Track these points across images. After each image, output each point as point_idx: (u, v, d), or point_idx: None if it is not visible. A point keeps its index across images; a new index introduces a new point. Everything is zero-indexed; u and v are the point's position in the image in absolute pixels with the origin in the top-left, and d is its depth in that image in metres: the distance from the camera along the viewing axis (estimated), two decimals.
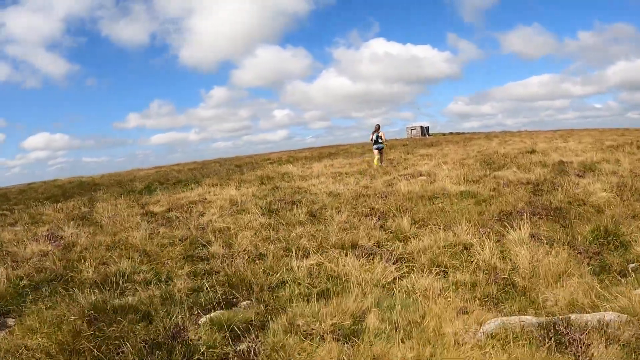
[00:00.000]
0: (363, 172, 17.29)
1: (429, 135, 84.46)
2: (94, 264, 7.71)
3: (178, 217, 11.43)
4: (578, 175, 13.24)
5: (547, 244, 6.42)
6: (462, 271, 5.42)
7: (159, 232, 9.74)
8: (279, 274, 5.79)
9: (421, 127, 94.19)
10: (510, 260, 5.67)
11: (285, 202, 11.32)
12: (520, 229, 6.72)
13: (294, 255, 6.39)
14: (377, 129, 20.45)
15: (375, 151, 20.35)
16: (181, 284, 6.36)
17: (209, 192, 14.95)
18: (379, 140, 20.29)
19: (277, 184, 15.12)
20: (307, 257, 6.45)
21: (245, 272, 5.78)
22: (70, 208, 15.37)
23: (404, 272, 5.57)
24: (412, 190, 11.06)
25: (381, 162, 20.06)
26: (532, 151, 23.13)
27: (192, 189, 16.81)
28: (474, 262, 5.62)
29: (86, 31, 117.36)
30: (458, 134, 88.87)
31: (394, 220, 8.16)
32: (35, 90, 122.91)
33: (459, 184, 12.02)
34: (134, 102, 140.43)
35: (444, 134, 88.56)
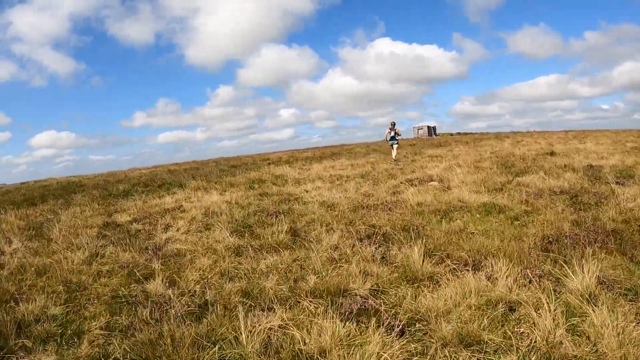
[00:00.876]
0: (365, 176, 15.09)
1: (436, 135, 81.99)
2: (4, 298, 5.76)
3: (140, 231, 9.33)
4: (617, 182, 10.96)
5: (626, 294, 4.23)
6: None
7: (104, 253, 7.63)
8: (217, 346, 3.63)
9: (428, 126, 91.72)
10: (586, 336, 3.45)
11: (267, 214, 9.17)
12: (581, 268, 4.51)
13: (251, 307, 4.21)
14: (393, 126, 22.22)
15: (392, 148, 22.23)
16: (83, 350, 4.25)
17: (189, 198, 12.83)
18: (396, 136, 22.18)
19: (266, 190, 12.97)
20: (270, 310, 4.28)
21: (166, 342, 3.61)
22: (36, 214, 13.35)
23: (414, 354, 3.37)
24: (422, 201, 8.85)
25: (392, 156, 21.75)
26: (552, 153, 20.81)
27: (174, 193, 14.70)
28: (528, 341, 3.40)
29: (92, 30, 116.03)
30: (466, 134, 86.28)
31: (400, 247, 5.95)
32: (42, 88, 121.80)
33: (479, 193, 9.80)
34: (140, 101, 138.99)
35: (451, 134, 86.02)
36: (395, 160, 20.94)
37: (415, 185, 11.74)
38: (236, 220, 8.79)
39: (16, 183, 35.27)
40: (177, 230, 8.74)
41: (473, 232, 6.62)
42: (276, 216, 8.89)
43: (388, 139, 22.23)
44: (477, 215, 7.98)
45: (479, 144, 31.50)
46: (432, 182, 12.14)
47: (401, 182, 12.33)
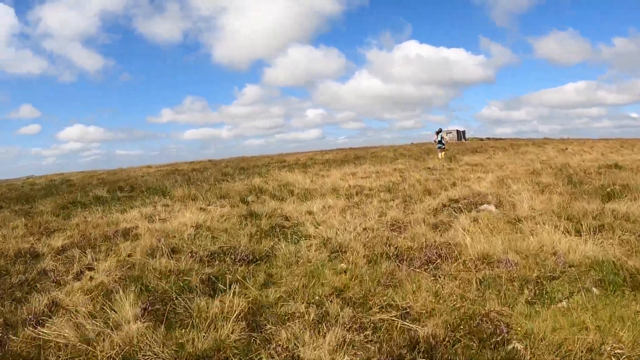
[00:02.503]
0: (393, 190, 11.36)
1: (465, 139, 77.17)
2: None
3: (44, 274, 5.91)
4: None
5: None
6: None
7: None
8: None
9: (457, 130, 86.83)
10: None
11: (234, 260, 5.60)
12: None
13: None
14: (439, 131, 24.29)
15: (439, 151, 23.73)
16: None
17: (156, 215, 9.37)
18: (442, 140, 24.01)
19: (260, 207, 9.41)
20: None
21: None
22: None
23: None
24: (488, 251, 5.08)
25: (439, 156, 23.04)
26: (616, 165, 16.62)
27: (148, 204, 11.33)
28: None
29: (121, 28, 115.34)
30: (496, 139, 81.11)
31: None
32: (71, 83, 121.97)
33: (568, 233, 6.00)
34: (167, 98, 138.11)
35: (481, 139, 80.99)
36: (440, 159, 21.90)
37: (464, 210, 7.98)
38: (179, 271, 5.24)
39: (22, 177, 32.86)
40: (89, 279, 5.24)
41: (604, 345, 2.88)
42: (247, 264, 5.32)
43: (437, 142, 24.40)
44: (595, 290, 4.21)
45: (519, 151, 27.23)
46: (485, 206, 8.35)
47: (443, 204, 8.57)
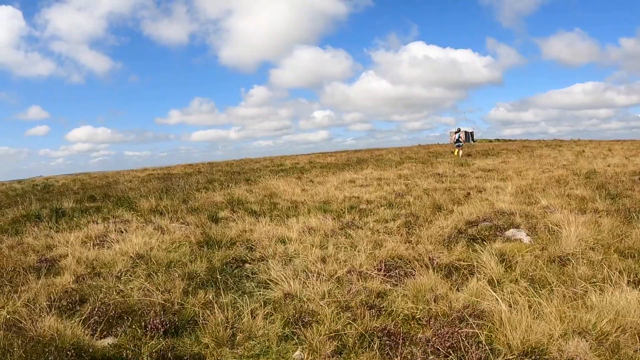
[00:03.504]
0: (395, 204, 9.35)
1: (474, 141, 74.62)
2: None
3: None
4: None
5: None
6: None
7: None
8: None
9: (466, 132, 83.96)
10: None
11: (147, 327, 3.66)
12: None
13: None
14: (458, 131, 26.55)
15: (457, 149, 25.27)
16: None
17: (107, 235, 7.47)
18: (459, 140, 25.88)
19: (226, 230, 7.47)
20: None
21: None
22: None
23: None
24: (538, 334, 3.07)
25: (458, 155, 24.43)
26: None
27: (109, 218, 9.45)
28: None
29: (129, 30, 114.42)
30: (506, 140, 78.43)
31: None
32: (79, 85, 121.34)
33: None
34: (175, 99, 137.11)
35: (490, 140, 78.38)
36: (456, 156, 23.82)
37: (486, 240, 5.97)
38: (56, 346, 3.31)
39: (32, 178, 31.27)
40: None
41: None
42: (162, 333, 3.38)
43: (454, 142, 26.74)
44: None
45: (534, 154, 25.02)
46: (513, 231, 6.31)
47: (457, 230, 6.54)
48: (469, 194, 10.38)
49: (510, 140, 78.87)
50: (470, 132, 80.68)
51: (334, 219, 8.08)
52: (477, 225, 6.71)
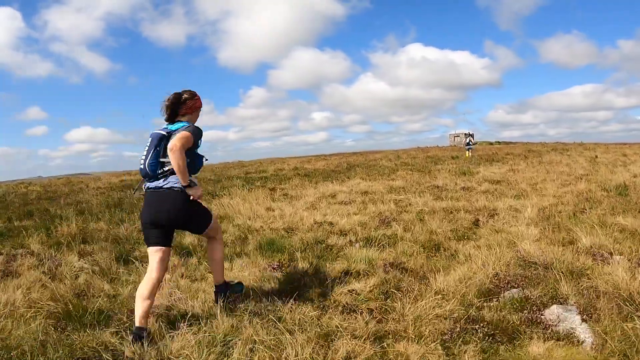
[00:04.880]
0: (378, 239, 6.66)
1: (474, 143, 71.97)
2: None
3: None
4: None
5: None
6: None
7: None
8: None
9: (466, 134, 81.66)
10: None
11: None
12: None
13: None
14: (468, 135, 30.73)
15: (468, 151, 28.07)
16: None
17: None
18: (470, 143, 29.88)
19: (131, 275, 4.82)
20: None
21: None
22: None
23: None
24: None
25: (468, 155, 26.75)
26: None
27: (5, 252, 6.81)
28: None
29: (128, 32, 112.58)
30: (507, 143, 75.77)
31: None
32: (78, 86, 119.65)
33: None
34: None
35: (491, 143, 75.74)
36: (467, 157, 25.00)
37: (512, 335, 3.35)
38: None
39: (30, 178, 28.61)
40: None
41: None
42: None
43: (465, 144, 29.67)
44: None
45: (543, 160, 22.30)
46: (557, 314, 3.65)
47: (464, 309, 3.87)
48: (477, 220, 7.69)
49: (511, 142, 76.17)
50: (471, 134, 77.91)
51: (284, 266, 5.43)
52: (499, 296, 4.04)
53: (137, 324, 3.25)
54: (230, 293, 3.95)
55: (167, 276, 4.70)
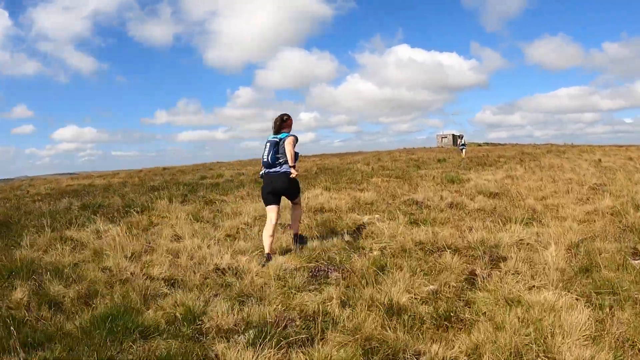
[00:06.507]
0: (295, 332, 3.50)
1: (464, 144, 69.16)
2: None
3: None
4: None
5: None
6: None
7: None
8: None
9: (453, 135, 78.86)
10: None
11: None
12: None
13: None
14: (461, 137, 31.87)
15: (462, 151, 28.74)
16: None
17: None
18: (464, 143, 30.44)
19: None
20: None
21: None
22: None
23: None
24: None
25: (462, 155, 27.19)
26: None
27: None
28: None
29: (115, 31, 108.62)
30: (495, 144, 73.09)
31: None
32: (65, 85, 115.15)
33: None
34: (162, 100, 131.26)
35: (479, 144, 72.99)
36: (463, 158, 24.74)
37: None
38: None
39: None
40: None
41: None
42: None
43: (459, 145, 30.61)
44: None
45: (543, 164, 19.24)
46: None
47: None
48: (472, 273, 4.52)
49: (500, 144, 73.44)
50: (459, 135, 75.13)
51: None
52: None
53: (266, 251, 5.37)
54: (300, 242, 6.01)
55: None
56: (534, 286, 4.17)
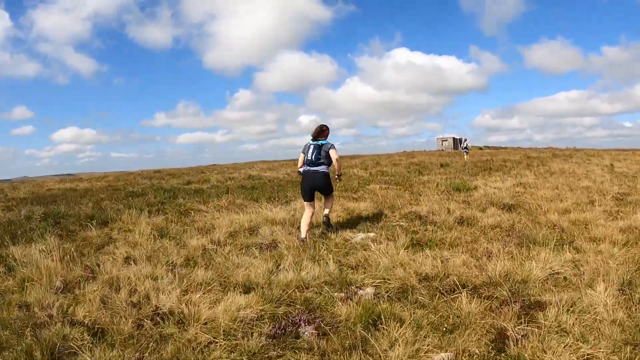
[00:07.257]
0: None
1: (463, 148, 67.84)
2: None
3: None
4: None
5: None
6: None
7: None
8: None
9: (454, 138, 77.40)
10: None
11: None
12: None
13: None
14: (465, 140, 30.36)
15: (465, 155, 28.47)
16: None
17: None
18: (467, 146, 29.64)
19: None
20: None
21: None
22: None
23: None
24: None
25: (465, 158, 26.92)
26: None
27: None
28: None
29: (114, 33, 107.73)
30: (496, 148, 71.72)
31: None
32: (65, 86, 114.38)
33: None
34: (161, 102, 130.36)
35: (480, 148, 71.63)
36: (466, 161, 25.26)
37: None
38: None
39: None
40: None
41: None
42: None
43: (462, 148, 30.54)
44: None
45: (552, 169, 17.92)
46: None
47: None
48: (502, 335, 3.22)
49: (500, 147, 72.09)
50: (459, 139, 73.75)
51: None
52: None
53: (302, 236, 6.15)
54: (328, 225, 6.87)
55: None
56: (588, 356, 2.88)
